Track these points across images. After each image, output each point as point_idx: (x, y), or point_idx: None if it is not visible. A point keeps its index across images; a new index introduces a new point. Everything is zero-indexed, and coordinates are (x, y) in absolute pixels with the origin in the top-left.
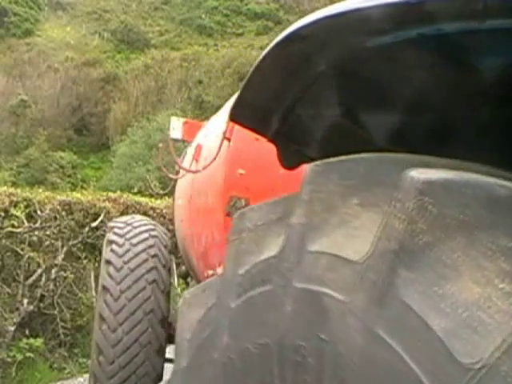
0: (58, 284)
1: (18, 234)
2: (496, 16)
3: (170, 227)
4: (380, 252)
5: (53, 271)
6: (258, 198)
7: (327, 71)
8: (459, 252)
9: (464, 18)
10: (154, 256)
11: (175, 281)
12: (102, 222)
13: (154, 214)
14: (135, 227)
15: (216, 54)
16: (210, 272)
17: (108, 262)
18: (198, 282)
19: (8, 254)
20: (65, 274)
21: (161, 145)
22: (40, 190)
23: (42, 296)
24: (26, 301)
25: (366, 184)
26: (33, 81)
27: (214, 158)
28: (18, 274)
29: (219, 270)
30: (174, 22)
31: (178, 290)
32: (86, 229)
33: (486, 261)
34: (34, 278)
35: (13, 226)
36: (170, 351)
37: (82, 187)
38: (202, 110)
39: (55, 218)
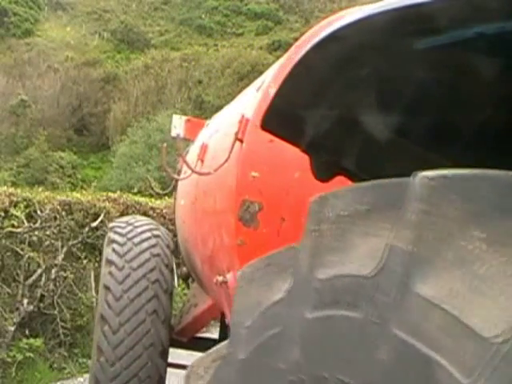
0: (58, 284)
1: (18, 234)
2: None
3: (171, 227)
4: None
5: (53, 271)
6: (272, 202)
7: (368, 77)
8: None
9: None
10: (156, 255)
11: (175, 281)
12: (101, 222)
13: (154, 214)
14: (137, 227)
15: (216, 53)
16: (220, 278)
17: (109, 262)
18: (200, 284)
19: (8, 254)
20: (65, 274)
21: (165, 144)
22: (40, 190)
23: (42, 296)
24: (25, 301)
25: (495, 212)
26: (33, 81)
27: (226, 160)
28: (18, 274)
29: (229, 277)
30: (173, 22)
31: (178, 289)
32: (86, 229)
33: None
34: (34, 278)
35: (13, 226)
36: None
37: (81, 187)
38: (202, 110)
39: (55, 218)
